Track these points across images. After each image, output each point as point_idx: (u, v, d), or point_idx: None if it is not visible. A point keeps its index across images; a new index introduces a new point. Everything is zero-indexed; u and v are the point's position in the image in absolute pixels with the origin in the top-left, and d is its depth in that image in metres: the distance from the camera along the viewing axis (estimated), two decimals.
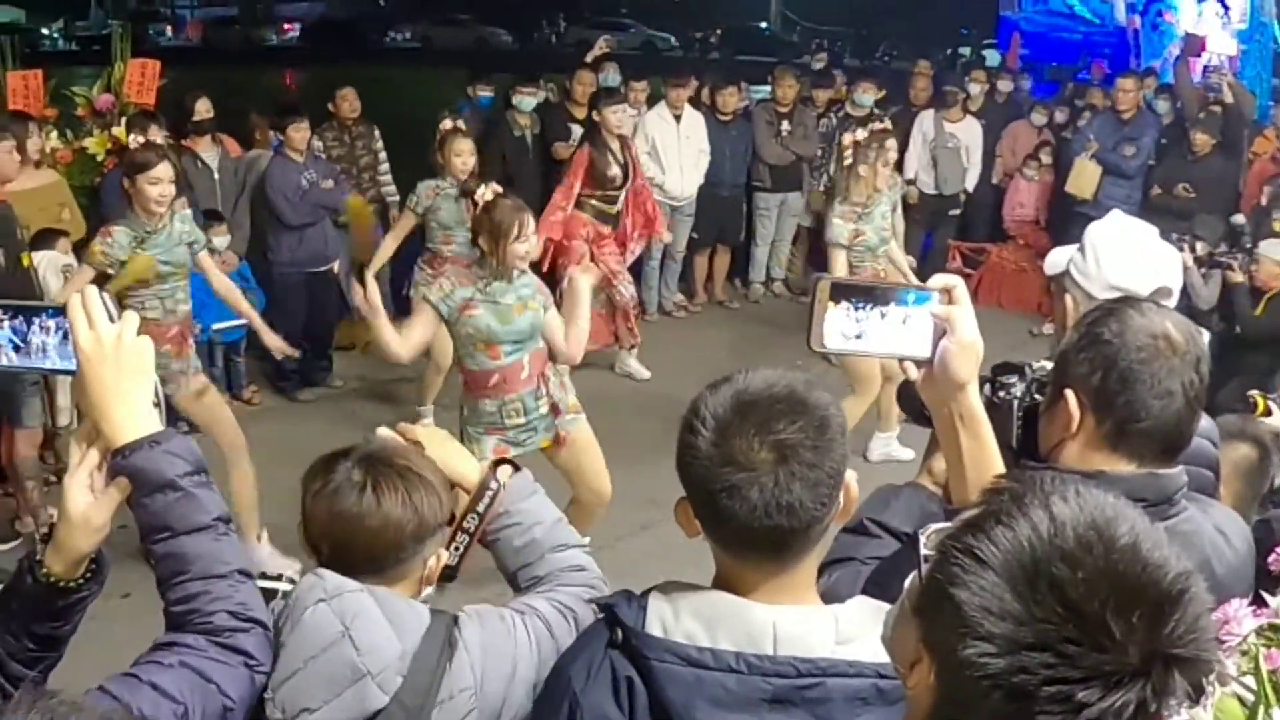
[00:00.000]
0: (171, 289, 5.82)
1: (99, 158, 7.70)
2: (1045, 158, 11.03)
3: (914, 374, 1.99)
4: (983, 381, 2.14)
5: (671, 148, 9.75)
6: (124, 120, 7.76)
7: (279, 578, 2.21)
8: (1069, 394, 2.04)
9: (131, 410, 1.78)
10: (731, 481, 1.72)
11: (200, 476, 1.80)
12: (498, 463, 2.46)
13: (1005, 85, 12.08)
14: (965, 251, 11.48)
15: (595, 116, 8.60)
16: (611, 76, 10.10)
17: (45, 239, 6.69)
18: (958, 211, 11.08)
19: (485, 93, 10.26)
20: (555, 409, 5.45)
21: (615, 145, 8.53)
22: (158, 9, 63.59)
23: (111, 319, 1.79)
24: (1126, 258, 2.65)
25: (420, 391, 7.99)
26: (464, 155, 7.55)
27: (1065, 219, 10.10)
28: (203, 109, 7.97)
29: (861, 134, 7.39)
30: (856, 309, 1.90)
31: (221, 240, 7.75)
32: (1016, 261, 11.06)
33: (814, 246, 10.94)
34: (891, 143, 7.39)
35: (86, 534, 1.81)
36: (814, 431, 1.74)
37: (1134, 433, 1.99)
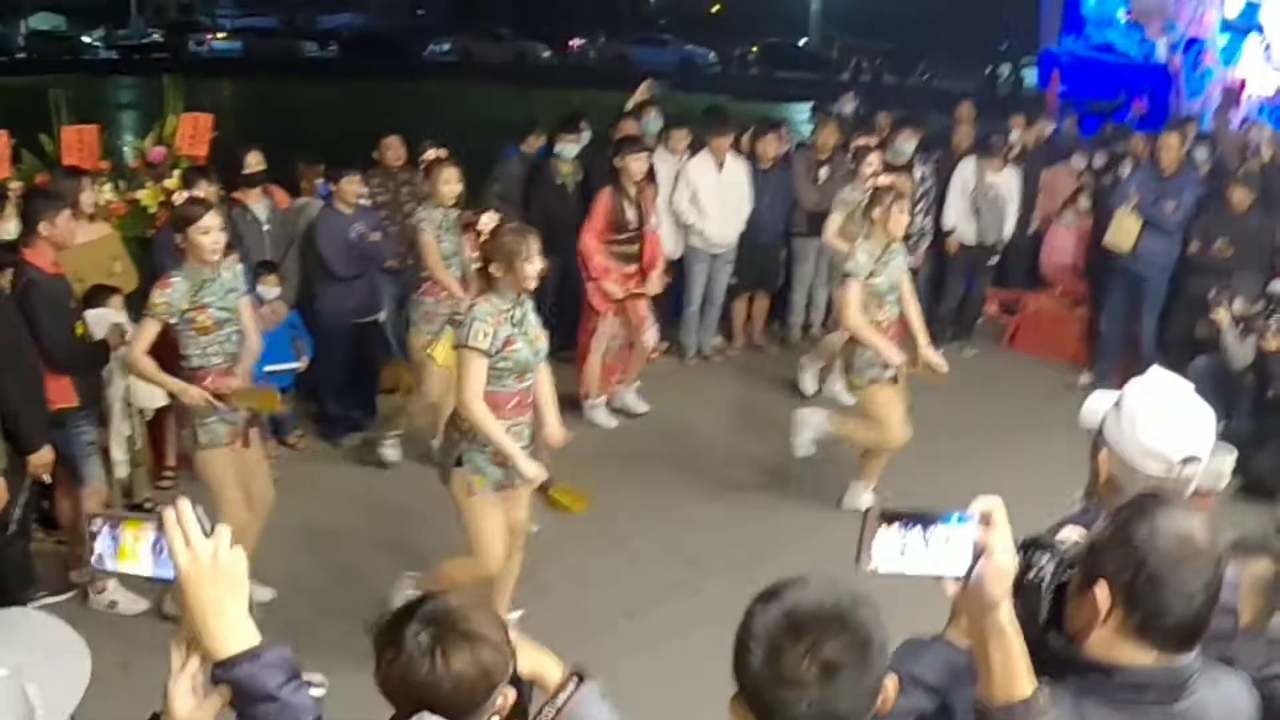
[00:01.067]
0: (228, 334, 5.94)
1: (151, 210, 7.86)
2: (1084, 202, 11.03)
3: (950, 590, 2.10)
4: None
5: (713, 195, 9.81)
6: (176, 173, 7.92)
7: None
8: (1100, 586, 2.17)
9: (229, 624, 1.89)
10: (782, 697, 1.89)
11: (295, 683, 1.91)
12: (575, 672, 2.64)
13: (1045, 127, 12.05)
14: (1003, 299, 11.52)
15: (618, 163, 8.79)
16: (653, 122, 10.20)
17: (98, 296, 6.83)
18: (995, 260, 11.06)
19: (541, 144, 10.27)
20: (533, 437, 5.66)
21: (632, 191, 8.76)
22: (197, 19, 64.04)
23: (205, 532, 1.89)
24: (1160, 424, 2.75)
25: (400, 418, 8.28)
26: (452, 183, 7.75)
27: (1104, 268, 10.12)
28: (253, 162, 8.08)
29: (885, 179, 7.50)
30: (905, 530, 2.02)
31: (271, 290, 7.85)
32: (1054, 310, 11.10)
33: None
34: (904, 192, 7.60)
35: None
36: (858, 649, 1.90)
37: (1158, 628, 2.14)
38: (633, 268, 8.91)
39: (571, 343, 9.25)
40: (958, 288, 10.94)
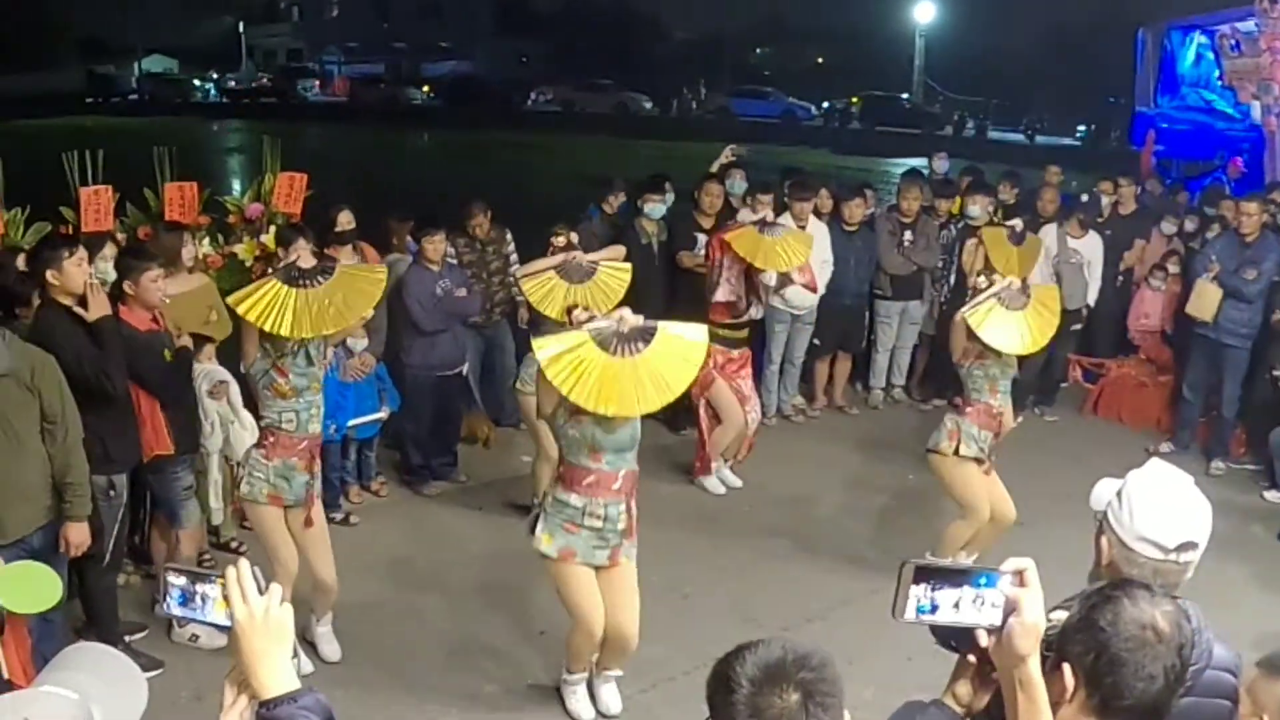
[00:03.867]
0: (307, 404, 6.06)
1: (247, 263, 8.18)
2: (1172, 267, 10.95)
3: (985, 640, 2.29)
4: None
5: None
6: (272, 229, 8.25)
7: None
8: (1066, 667, 2.34)
9: (274, 669, 2.18)
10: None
11: None
12: None
13: (1132, 191, 11.94)
14: (1086, 365, 11.50)
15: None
16: (738, 185, 10.33)
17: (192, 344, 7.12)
18: (1079, 326, 11.00)
19: (621, 202, 10.47)
20: (629, 531, 5.70)
21: (735, 274, 8.70)
22: (307, 65, 65.54)
23: (260, 590, 2.20)
24: (1157, 513, 2.90)
25: (533, 484, 8.14)
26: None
27: (1187, 335, 10.08)
28: (344, 220, 8.37)
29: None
30: (934, 589, 2.22)
31: (360, 343, 8.10)
32: (1137, 376, 11.05)
33: (934, 354, 11.07)
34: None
35: None
36: (824, 670, 2.13)
37: (1117, 709, 2.30)
38: (737, 353, 8.85)
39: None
40: (1039, 355, 10.86)
